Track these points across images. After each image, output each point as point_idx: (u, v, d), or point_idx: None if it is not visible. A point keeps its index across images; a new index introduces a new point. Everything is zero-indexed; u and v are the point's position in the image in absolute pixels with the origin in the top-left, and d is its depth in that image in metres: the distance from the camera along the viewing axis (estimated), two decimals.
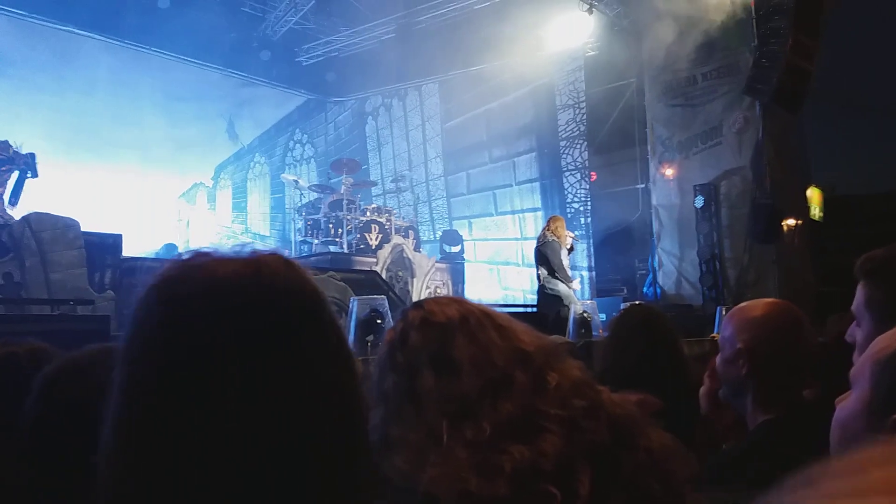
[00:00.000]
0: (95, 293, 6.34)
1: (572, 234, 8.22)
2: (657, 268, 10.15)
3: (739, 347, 1.74)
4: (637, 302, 7.37)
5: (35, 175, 7.64)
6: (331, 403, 0.73)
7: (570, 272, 7.90)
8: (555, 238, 7.67)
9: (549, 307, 7.30)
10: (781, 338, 1.70)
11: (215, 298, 0.71)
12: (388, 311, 5.33)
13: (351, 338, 5.08)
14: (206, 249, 0.77)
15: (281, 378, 0.70)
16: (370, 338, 5.06)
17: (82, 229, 6.53)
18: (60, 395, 1.22)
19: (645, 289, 10.28)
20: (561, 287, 7.56)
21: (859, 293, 1.73)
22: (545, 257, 7.64)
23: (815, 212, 10.31)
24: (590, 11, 10.27)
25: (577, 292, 9.74)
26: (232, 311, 0.70)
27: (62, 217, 6.45)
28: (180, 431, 0.67)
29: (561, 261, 7.59)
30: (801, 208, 9.92)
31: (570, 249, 8.08)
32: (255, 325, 0.70)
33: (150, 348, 0.71)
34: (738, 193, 9.32)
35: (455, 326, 1.08)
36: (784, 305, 1.77)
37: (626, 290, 10.59)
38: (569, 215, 11.65)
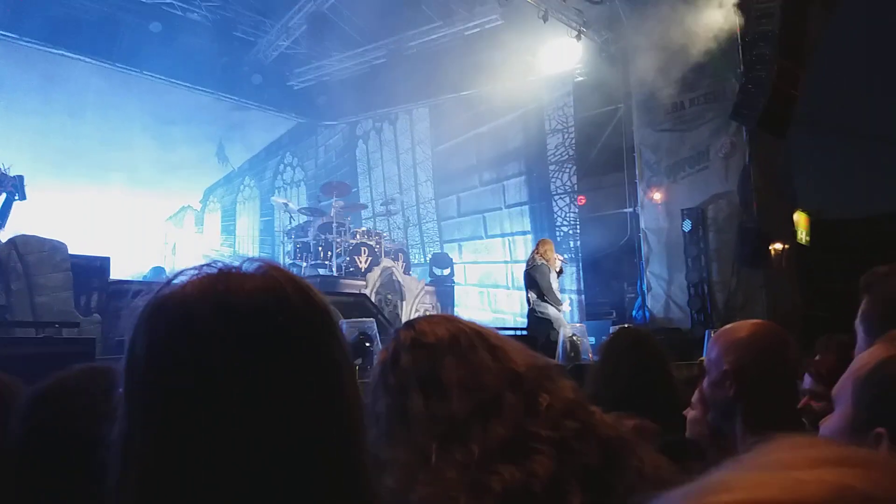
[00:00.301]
0: (81, 316, 6.29)
1: (561, 258, 8.26)
2: (646, 291, 10.19)
3: (726, 369, 1.74)
4: (626, 325, 7.40)
5: (23, 197, 7.59)
6: (338, 423, 0.74)
7: (559, 295, 7.91)
8: (544, 262, 7.69)
9: (538, 330, 7.31)
10: (767, 358, 1.70)
11: (232, 319, 0.70)
12: (377, 335, 5.31)
13: None
14: (216, 264, 0.77)
15: (294, 399, 0.70)
16: (359, 361, 5.05)
17: (70, 252, 6.49)
18: (47, 415, 1.20)
19: (634, 312, 10.30)
20: (550, 310, 7.58)
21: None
22: (534, 281, 7.66)
23: (802, 236, 10.40)
24: (578, 38, 10.41)
25: (567, 315, 9.76)
26: (248, 332, 0.70)
27: (49, 240, 6.42)
28: (190, 450, 0.67)
29: (550, 284, 7.61)
30: (788, 232, 10.01)
31: (560, 272, 8.11)
32: (270, 341, 0.71)
33: (162, 368, 0.70)
34: (726, 217, 9.39)
35: (445, 348, 1.08)
36: (769, 326, 1.78)
37: (615, 314, 10.60)
38: (558, 239, 11.68)
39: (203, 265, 0.77)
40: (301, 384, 0.72)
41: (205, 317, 0.70)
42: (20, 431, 1.20)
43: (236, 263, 0.78)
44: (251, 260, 0.80)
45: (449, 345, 1.09)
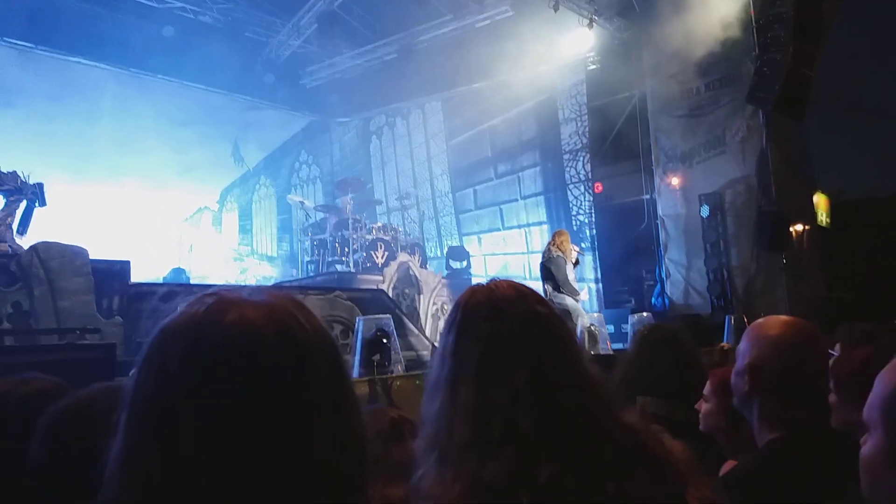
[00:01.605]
0: (103, 319, 6.38)
1: (577, 248, 8.23)
2: (665, 278, 10.12)
3: (748, 362, 1.73)
4: (644, 315, 7.36)
5: (43, 204, 7.70)
6: (339, 452, 0.76)
7: (576, 285, 7.89)
8: (559, 253, 7.68)
9: None
10: (790, 360, 1.68)
11: (240, 350, 0.72)
12: (394, 331, 5.34)
13: (357, 357, 5.09)
14: (220, 291, 0.79)
15: (295, 428, 0.72)
16: (376, 357, 5.08)
17: (90, 257, 6.58)
18: (65, 435, 1.22)
19: (653, 299, 10.23)
20: (568, 301, 7.56)
21: None
22: (550, 273, 7.65)
23: (823, 218, 10.26)
24: (590, 25, 10.33)
25: (585, 304, 9.73)
26: (255, 362, 0.72)
27: (70, 245, 6.51)
28: (189, 475, 0.69)
29: (566, 275, 7.60)
30: (808, 215, 9.88)
31: (576, 263, 8.09)
32: (277, 376, 0.73)
33: (165, 396, 0.71)
34: (744, 202, 9.29)
35: None
36: (800, 326, 1.75)
37: (633, 302, 10.54)
38: (574, 228, 11.64)
39: (212, 294, 0.79)
40: (306, 412, 0.74)
41: (214, 346, 0.72)
42: (41, 451, 1.21)
43: (244, 293, 0.79)
44: (261, 290, 0.82)
45: None
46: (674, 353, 2.68)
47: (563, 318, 1.22)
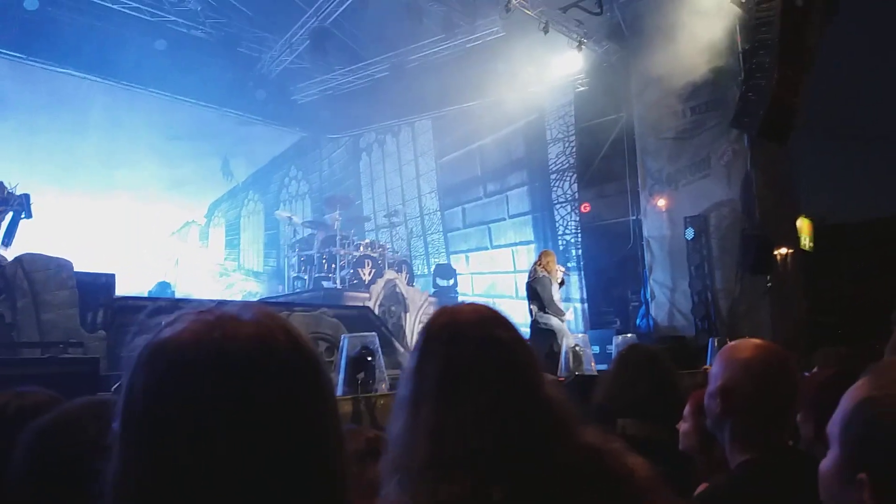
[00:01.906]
0: (87, 333, 6.34)
1: (562, 269, 8.27)
2: (650, 299, 10.18)
3: (719, 385, 1.76)
4: (628, 336, 7.41)
5: (29, 216, 7.67)
6: (324, 466, 0.78)
7: (561, 305, 7.93)
8: (545, 273, 7.72)
9: (541, 341, 7.31)
10: (761, 382, 1.71)
11: (227, 365, 0.74)
12: (379, 348, 5.33)
13: (341, 375, 5.08)
14: (207, 308, 0.80)
15: (284, 444, 0.74)
16: (361, 375, 5.07)
17: (75, 269, 6.55)
18: (50, 449, 1.21)
19: (638, 321, 10.28)
20: (553, 321, 7.59)
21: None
22: (536, 293, 7.68)
23: (806, 242, 10.35)
24: (579, 48, 10.46)
25: (571, 324, 9.74)
26: (243, 379, 0.74)
27: (55, 257, 6.48)
28: (183, 491, 0.70)
29: (551, 296, 7.63)
30: (792, 238, 9.98)
31: (562, 283, 8.13)
32: (265, 394, 0.74)
33: (159, 411, 0.73)
34: (728, 225, 9.38)
35: None
36: (771, 349, 1.78)
37: (618, 322, 10.58)
38: (560, 247, 11.71)
39: (200, 311, 0.80)
40: (290, 429, 0.75)
41: (202, 363, 0.73)
42: (24, 466, 1.21)
43: (231, 310, 0.80)
44: (246, 307, 0.82)
45: None
46: (653, 373, 2.69)
47: (526, 343, 1.24)
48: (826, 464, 1.00)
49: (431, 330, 1.22)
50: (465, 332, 1.18)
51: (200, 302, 0.83)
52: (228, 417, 0.71)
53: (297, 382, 0.77)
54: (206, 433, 0.71)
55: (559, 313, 7.69)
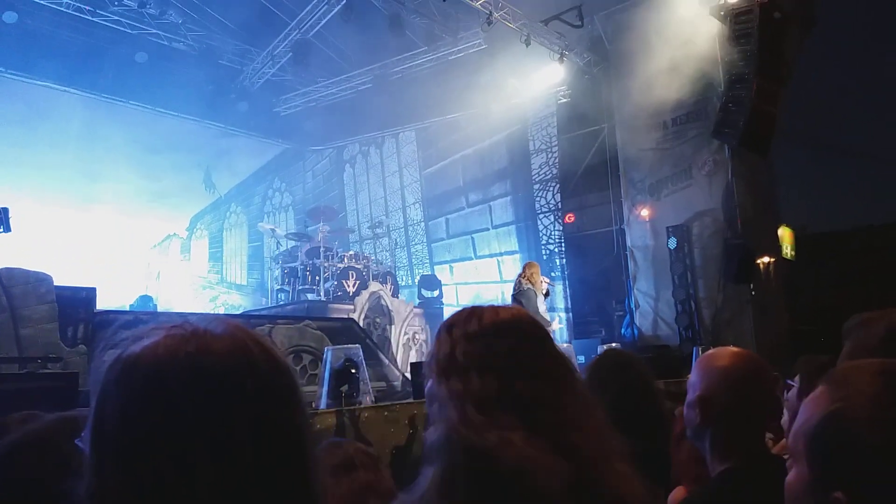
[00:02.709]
0: (67, 348, 6.25)
1: (546, 280, 8.28)
2: (634, 309, 10.21)
3: (698, 395, 1.76)
4: (611, 347, 7.43)
5: (7, 230, 7.56)
6: (299, 478, 0.77)
7: (547, 316, 7.94)
8: (529, 286, 7.74)
9: None
10: (739, 391, 1.71)
11: (202, 380, 0.73)
12: (363, 361, 5.30)
13: (325, 388, 5.03)
14: (180, 322, 0.79)
15: (259, 456, 0.73)
16: (344, 388, 5.02)
17: (55, 283, 6.46)
18: (19, 468, 1.17)
19: (623, 330, 10.30)
20: None
21: None
22: (521, 305, 7.69)
23: (787, 250, 10.46)
24: (561, 60, 10.53)
25: (557, 334, 9.75)
26: (217, 392, 0.73)
27: (34, 272, 6.38)
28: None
29: (536, 308, 7.64)
30: (773, 247, 10.08)
31: (546, 294, 8.14)
32: (239, 408, 0.74)
33: (134, 427, 0.72)
34: (711, 234, 9.45)
35: None
36: (748, 359, 1.79)
37: (604, 332, 10.60)
38: (544, 257, 11.74)
39: (172, 325, 0.79)
40: (267, 442, 0.75)
41: (177, 378, 0.73)
42: None
43: (202, 324, 0.80)
44: (217, 320, 0.82)
45: None
46: (623, 378, 2.64)
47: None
48: (793, 480, 0.97)
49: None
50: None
51: (169, 315, 0.82)
52: (206, 433, 0.71)
53: (272, 395, 0.77)
54: (183, 449, 0.70)
55: (545, 324, 7.70)
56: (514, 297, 7.87)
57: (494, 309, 1.20)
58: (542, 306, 7.80)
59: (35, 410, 1.49)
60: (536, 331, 1.20)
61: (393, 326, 10.11)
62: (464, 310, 1.22)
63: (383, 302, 10.16)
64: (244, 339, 0.79)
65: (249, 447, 0.73)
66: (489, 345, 1.12)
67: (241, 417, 0.73)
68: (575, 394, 1.14)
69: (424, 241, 14.06)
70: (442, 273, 13.43)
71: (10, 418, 1.46)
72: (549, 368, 1.14)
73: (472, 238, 13.30)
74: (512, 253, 12.56)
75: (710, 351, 1.89)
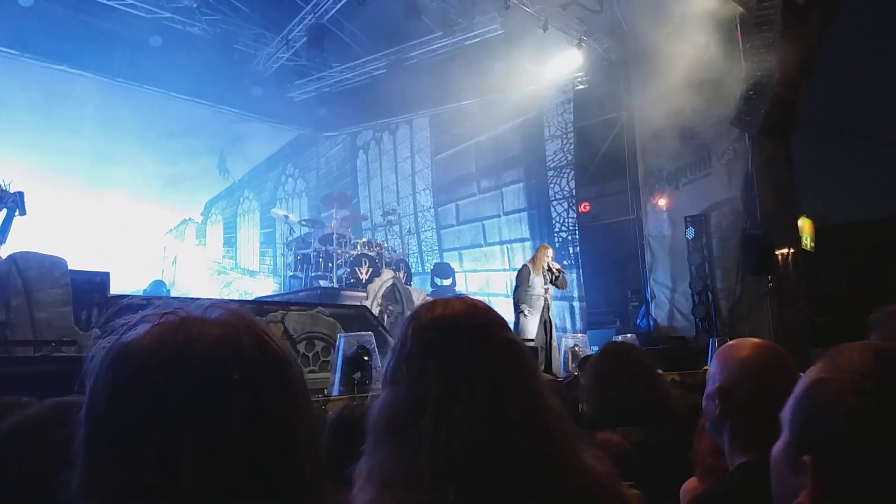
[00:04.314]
0: (81, 331, 6.27)
1: (556, 265, 8.17)
2: (650, 299, 10.12)
3: (717, 386, 1.72)
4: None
5: (23, 213, 7.58)
6: (294, 471, 0.75)
7: (536, 291, 7.89)
8: (529, 264, 7.78)
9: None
10: (760, 382, 1.67)
11: (191, 368, 0.71)
12: (376, 348, 5.27)
13: (337, 375, 5.02)
14: (175, 308, 0.77)
15: (251, 447, 0.71)
16: (357, 375, 5.00)
17: (70, 267, 6.47)
18: (15, 457, 1.15)
19: (638, 321, 10.23)
20: (520, 318, 7.63)
21: None
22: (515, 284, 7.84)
23: (807, 242, 10.30)
24: (579, 46, 10.40)
25: (567, 324, 9.69)
26: (206, 382, 0.71)
27: (49, 255, 6.39)
28: (150, 498, 0.68)
29: (519, 285, 7.73)
30: (793, 238, 9.92)
31: (556, 278, 8.01)
32: (229, 398, 0.71)
33: (123, 417, 0.70)
34: (729, 224, 9.33)
35: None
36: (770, 349, 1.74)
37: (618, 323, 10.54)
38: (557, 244, 11.66)
39: (164, 312, 0.77)
40: (259, 433, 0.72)
41: (164, 366, 0.71)
42: None
43: (197, 311, 0.77)
44: (213, 306, 0.79)
45: None
46: (625, 370, 2.62)
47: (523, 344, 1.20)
48: (777, 449, 0.99)
49: (425, 322, 1.14)
50: (464, 327, 1.11)
51: (167, 301, 0.80)
52: (194, 423, 0.69)
53: (264, 384, 0.75)
54: (171, 441, 0.68)
55: (518, 302, 7.71)
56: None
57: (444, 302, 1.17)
58: (536, 285, 7.78)
59: (19, 397, 1.45)
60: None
61: (406, 314, 10.07)
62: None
63: (396, 289, 10.12)
64: (237, 325, 0.76)
65: (238, 440, 0.70)
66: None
67: (229, 409, 0.70)
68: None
69: (434, 227, 14.01)
70: (451, 260, 13.40)
71: None
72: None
73: (483, 225, 13.22)
74: (522, 240, 12.46)
75: (731, 342, 1.85)
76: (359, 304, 9.07)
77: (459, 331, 1.10)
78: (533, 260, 7.80)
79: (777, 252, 9.17)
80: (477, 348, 1.08)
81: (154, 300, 0.78)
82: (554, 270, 7.99)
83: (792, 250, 9.60)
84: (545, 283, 7.92)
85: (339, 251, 10.59)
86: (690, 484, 2.05)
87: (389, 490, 1.01)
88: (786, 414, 0.98)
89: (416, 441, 1.01)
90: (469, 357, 1.07)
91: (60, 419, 1.14)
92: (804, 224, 10.41)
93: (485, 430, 1.01)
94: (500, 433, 1.01)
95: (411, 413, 1.04)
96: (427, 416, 1.02)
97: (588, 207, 11.55)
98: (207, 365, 0.72)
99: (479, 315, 1.14)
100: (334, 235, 10.67)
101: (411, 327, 1.13)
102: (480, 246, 13.23)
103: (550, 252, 8.15)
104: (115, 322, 0.77)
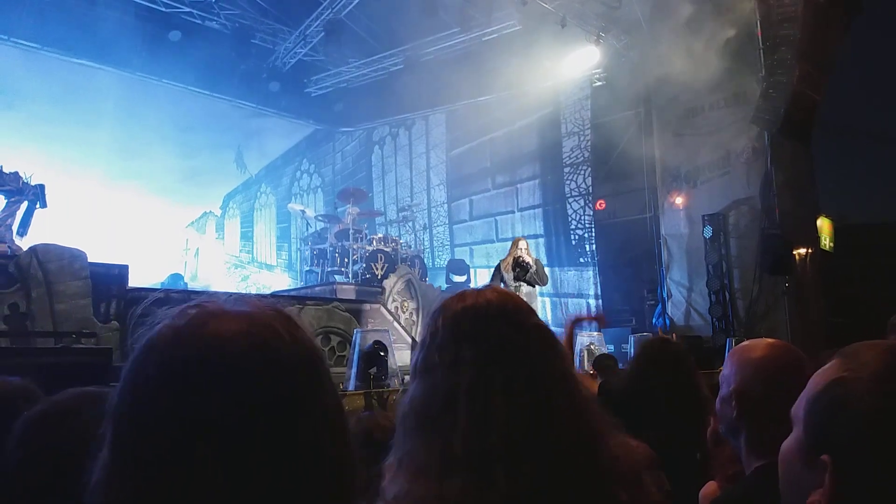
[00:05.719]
0: (100, 323, 6.34)
1: (521, 255, 7.48)
2: (666, 298, 10.06)
3: (733, 388, 1.70)
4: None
5: (44, 206, 7.67)
6: (320, 475, 0.73)
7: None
8: (500, 261, 7.62)
9: None
10: (776, 383, 1.64)
11: (214, 366, 0.70)
12: (392, 343, 5.29)
13: (354, 370, 5.04)
14: (203, 302, 0.76)
15: (272, 448, 0.70)
16: (373, 370, 5.03)
17: (89, 259, 6.54)
18: (42, 439, 1.18)
19: (654, 320, 10.16)
20: None
21: None
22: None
23: (826, 242, 10.21)
24: (597, 42, 10.34)
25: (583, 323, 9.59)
26: (229, 379, 0.70)
27: (69, 248, 6.47)
28: (166, 493, 0.67)
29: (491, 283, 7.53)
30: (811, 238, 9.83)
31: (525, 268, 7.38)
32: (253, 393, 0.70)
33: (142, 411, 0.70)
34: (747, 224, 9.25)
35: None
36: (784, 350, 1.72)
37: (634, 321, 10.48)
38: (573, 242, 11.61)
39: (191, 305, 0.76)
40: (284, 430, 0.71)
41: (189, 362, 0.70)
42: (15, 455, 1.17)
43: (226, 305, 0.76)
44: (241, 298, 0.79)
45: None
46: (673, 369, 2.67)
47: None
48: (788, 444, 1.00)
49: (456, 311, 1.14)
50: (496, 314, 1.12)
51: (211, 294, 0.79)
52: (216, 416, 0.68)
53: (291, 379, 0.73)
54: (192, 436, 0.67)
55: None
56: None
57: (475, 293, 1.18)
58: (508, 283, 7.28)
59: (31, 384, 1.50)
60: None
61: (421, 309, 10.09)
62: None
63: (412, 284, 10.14)
64: (264, 319, 0.75)
65: (264, 434, 0.69)
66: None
67: (255, 403, 0.69)
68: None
69: (446, 222, 14.00)
70: (462, 255, 13.38)
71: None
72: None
73: (496, 220, 13.19)
74: (536, 237, 12.42)
75: (744, 343, 1.82)
76: (375, 299, 9.11)
77: (493, 318, 1.10)
78: (510, 254, 7.55)
79: (795, 252, 9.09)
80: (511, 335, 1.09)
81: (172, 293, 0.78)
82: (525, 264, 7.38)
83: (810, 250, 9.52)
84: (514, 281, 7.37)
85: (354, 246, 10.62)
86: (709, 488, 2.02)
87: (424, 477, 1.00)
88: (798, 411, 0.98)
89: (451, 428, 1.01)
90: (504, 344, 1.07)
91: (88, 406, 1.18)
92: (823, 224, 10.31)
93: (525, 415, 1.01)
94: (539, 418, 1.02)
95: (446, 401, 1.04)
96: (462, 403, 1.02)
97: (604, 205, 11.48)
98: (232, 359, 0.71)
99: (510, 302, 1.15)
100: (350, 231, 10.70)
101: (441, 317, 1.13)
102: (492, 242, 13.20)
103: (524, 244, 7.56)
104: (154, 315, 0.77)
